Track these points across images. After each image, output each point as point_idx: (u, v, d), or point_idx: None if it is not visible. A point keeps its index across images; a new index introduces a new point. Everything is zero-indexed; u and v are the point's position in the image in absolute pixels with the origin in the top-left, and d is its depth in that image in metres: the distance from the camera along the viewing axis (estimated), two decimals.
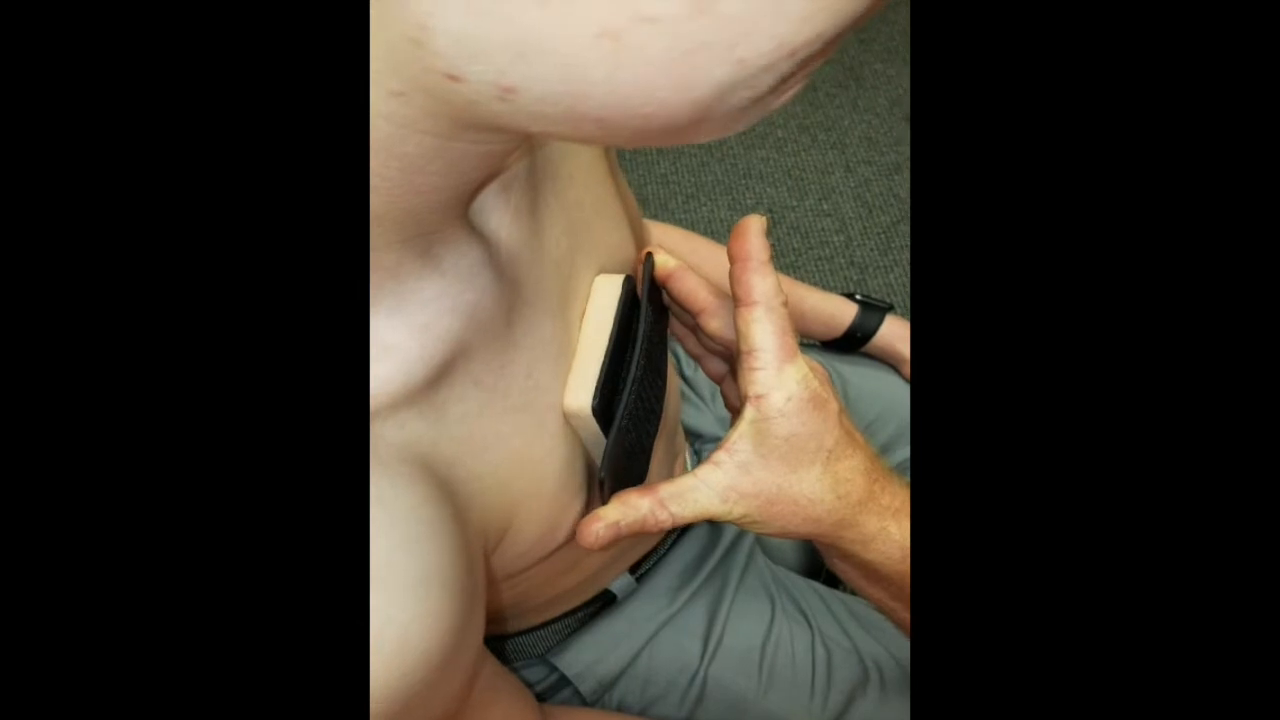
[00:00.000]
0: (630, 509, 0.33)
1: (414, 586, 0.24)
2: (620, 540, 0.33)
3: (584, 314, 0.35)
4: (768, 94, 0.18)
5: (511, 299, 0.30)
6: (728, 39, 0.15)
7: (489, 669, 0.35)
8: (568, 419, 0.34)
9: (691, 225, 1.50)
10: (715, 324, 0.38)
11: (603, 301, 0.35)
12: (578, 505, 0.36)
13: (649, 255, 0.38)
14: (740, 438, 0.33)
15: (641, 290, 0.36)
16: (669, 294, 0.39)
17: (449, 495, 0.27)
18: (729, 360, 0.41)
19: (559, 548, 0.37)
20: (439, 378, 0.27)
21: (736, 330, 0.33)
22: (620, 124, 0.18)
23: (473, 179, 0.24)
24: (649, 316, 0.36)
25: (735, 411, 0.41)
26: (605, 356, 0.34)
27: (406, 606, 0.23)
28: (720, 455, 0.33)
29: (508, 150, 0.23)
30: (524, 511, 0.33)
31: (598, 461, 0.37)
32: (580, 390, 0.33)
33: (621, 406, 0.34)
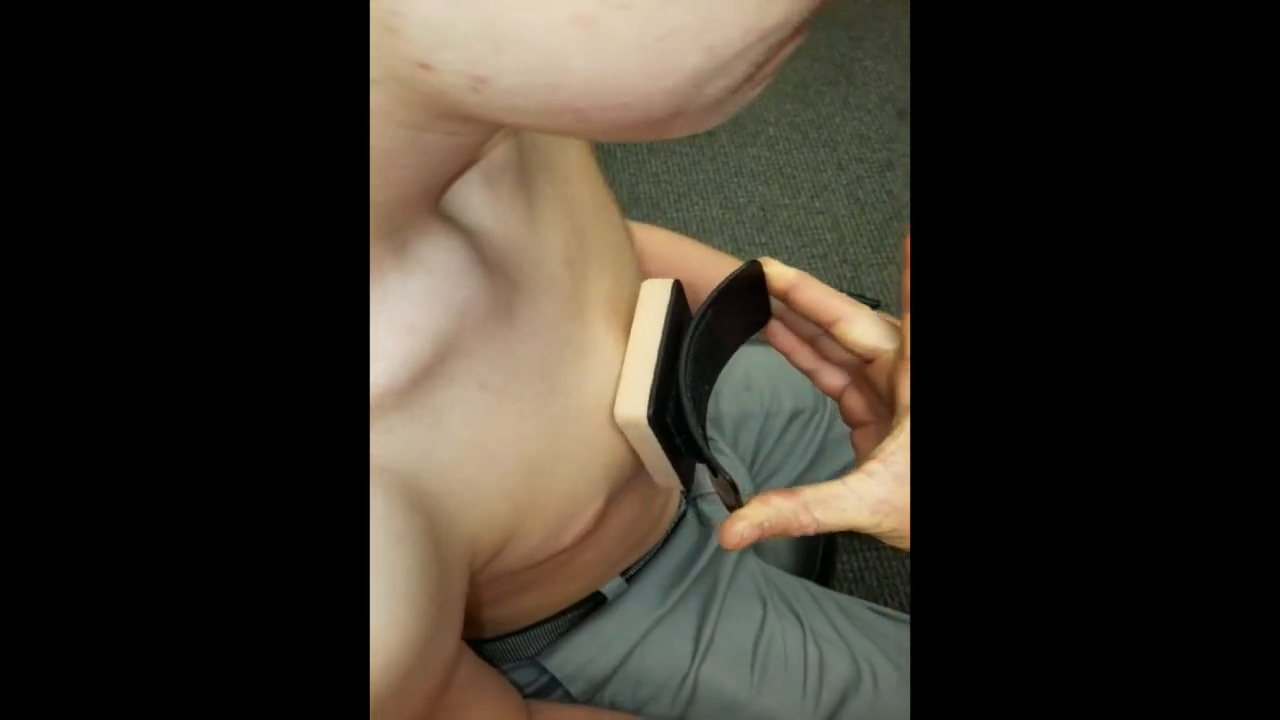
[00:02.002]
0: (773, 510, 0.32)
1: (378, 598, 0.24)
2: (762, 540, 0.32)
3: (632, 319, 0.35)
4: (744, 82, 0.18)
5: (510, 297, 0.29)
6: (696, 26, 0.15)
7: (468, 670, 0.35)
8: (620, 427, 0.33)
9: (683, 224, 1.50)
10: (857, 331, 0.36)
11: (651, 307, 0.35)
12: (593, 508, 0.35)
13: (753, 263, 0.37)
14: (900, 449, 0.31)
15: (708, 295, 0.36)
16: (791, 305, 0.38)
17: (428, 504, 0.27)
18: (853, 371, 0.40)
19: (565, 549, 0.36)
20: (428, 379, 0.26)
21: (904, 335, 0.32)
22: (596, 114, 0.18)
23: (444, 171, 0.23)
24: (709, 320, 0.35)
25: (857, 424, 0.40)
26: (657, 364, 0.33)
27: (370, 617, 0.23)
28: (874, 466, 0.32)
29: (480, 141, 0.23)
30: (530, 516, 0.32)
31: (655, 468, 0.37)
32: (634, 399, 0.33)
33: (688, 415, 0.33)
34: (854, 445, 0.41)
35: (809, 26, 0.17)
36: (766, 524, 0.32)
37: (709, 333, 0.36)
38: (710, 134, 1.64)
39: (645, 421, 0.32)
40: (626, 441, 0.36)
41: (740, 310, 0.39)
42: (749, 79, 0.18)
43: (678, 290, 0.36)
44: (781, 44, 0.17)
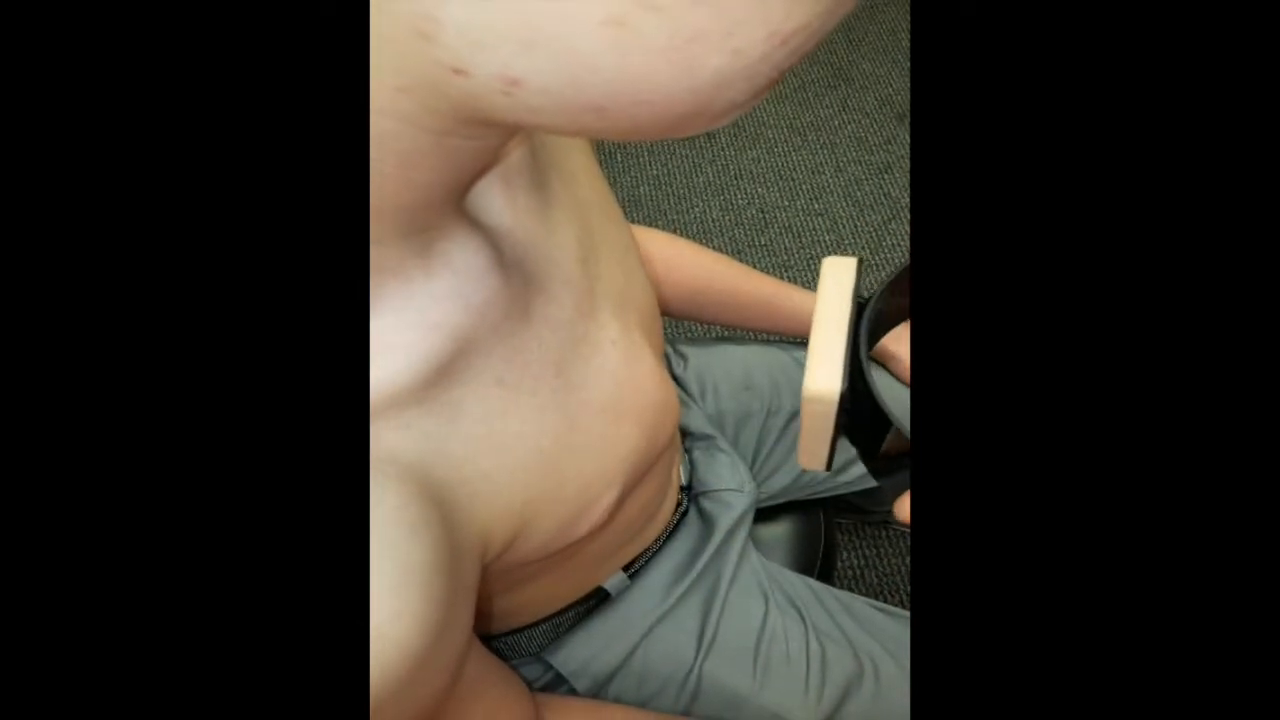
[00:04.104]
0: None
1: (393, 588, 0.24)
2: None
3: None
4: (765, 87, 0.18)
5: (528, 295, 0.30)
6: (723, 28, 0.16)
7: (477, 662, 0.35)
8: (805, 400, 0.34)
9: (683, 226, 1.50)
10: None
11: (837, 284, 0.35)
12: (608, 500, 0.36)
13: None
14: None
15: (886, 278, 0.36)
16: None
17: (441, 497, 0.27)
18: None
19: (579, 540, 0.37)
20: (447, 375, 0.27)
21: None
22: (618, 113, 0.18)
23: (467, 174, 0.24)
24: (883, 301, 0.36)
25: None
26: (848, 340, 0.33)
27: (384, 606, 0.24)
28: None
29: (501, 144, 0.23)
30: (545, 508, 0.33)
31: (812, 448, 0.37)
32: (827, 374, 0.33)
33: (874, 388, 0.33)
34: None
35: (829, 33, 0.18)
36: None
37: (877, 314, 0.36)
38: (710, 137, 1.65)
39: (837, 395, 0.32)
40: (642, 434, 0.36)
41: (905, 295, 0.39)
42: (770, 83, 0.18)
43: (860, 268, 0.36)
44: (803, 50, 0.17)
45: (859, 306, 0.36)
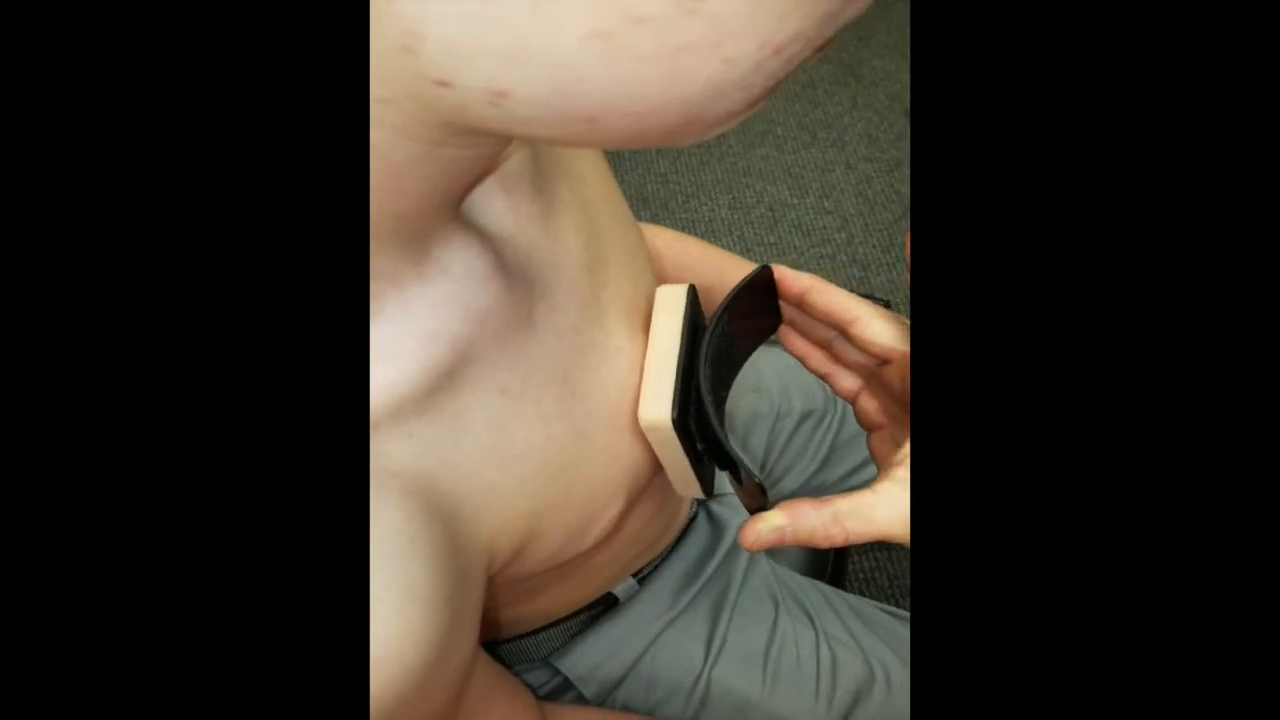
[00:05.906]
0: (801, 516, 0.31)
1: (394, 603, 0.24)
2: (781, 545, 0.32)
3: (651, 324, 0.35)
4: (761, 96, 0.18)
5: (530, 303, 0.29)
6: (713, 38, 0.16)
7: (483, 674, 0.35)
8: (644, 430, 0.34)
9: (692, 224, 1.50)
10: (873, 331, 0.36)
11: (668, 311, 0.35)
12: (613, 511, 0.36)
13: (764, 268, 0.38)
14: None
15: (722, 300, 0.36)
16: (807, 309, 0.38)
17: (445, 509, 0.27)
18: (866, 374, 0.40)
19: (586, 551, 0.36)
20: (449, 384, 0.27)
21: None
22: (610, 124, 0.18)
23: (462, 182, 0.24)
24: (724, 325, 0.36)
25: (872, 428, 0.40)
26: (678, 367, 0.33)
27: (386, 622, 0.23)
28: (902, 472, 0.31)
29: (497, 152, 0.23)
30: (551, 519, 0.33)
31: (676, 475, 0.37)
32: (657, 402, 0.33)
33: (712, 418, 0.33)
34: (871, 450, 0.40)
35: (829, 44, 0.18)
36: (789, 531, 0.31)
37: (724, 338, 0.36)
38: (718, 135, 1.64)
39: (670, 423, 0.32)
40: (647, 445, 0.36)
41: (753, 315, 0.39)
42: (766, 92, 0.18)
43: (693, 295, 0.36)
44: (799, 58, 0.17)
45: (695, 334, 0.35)
